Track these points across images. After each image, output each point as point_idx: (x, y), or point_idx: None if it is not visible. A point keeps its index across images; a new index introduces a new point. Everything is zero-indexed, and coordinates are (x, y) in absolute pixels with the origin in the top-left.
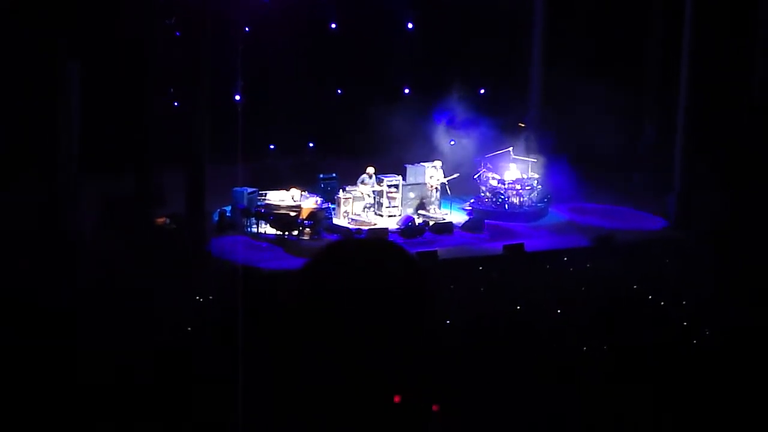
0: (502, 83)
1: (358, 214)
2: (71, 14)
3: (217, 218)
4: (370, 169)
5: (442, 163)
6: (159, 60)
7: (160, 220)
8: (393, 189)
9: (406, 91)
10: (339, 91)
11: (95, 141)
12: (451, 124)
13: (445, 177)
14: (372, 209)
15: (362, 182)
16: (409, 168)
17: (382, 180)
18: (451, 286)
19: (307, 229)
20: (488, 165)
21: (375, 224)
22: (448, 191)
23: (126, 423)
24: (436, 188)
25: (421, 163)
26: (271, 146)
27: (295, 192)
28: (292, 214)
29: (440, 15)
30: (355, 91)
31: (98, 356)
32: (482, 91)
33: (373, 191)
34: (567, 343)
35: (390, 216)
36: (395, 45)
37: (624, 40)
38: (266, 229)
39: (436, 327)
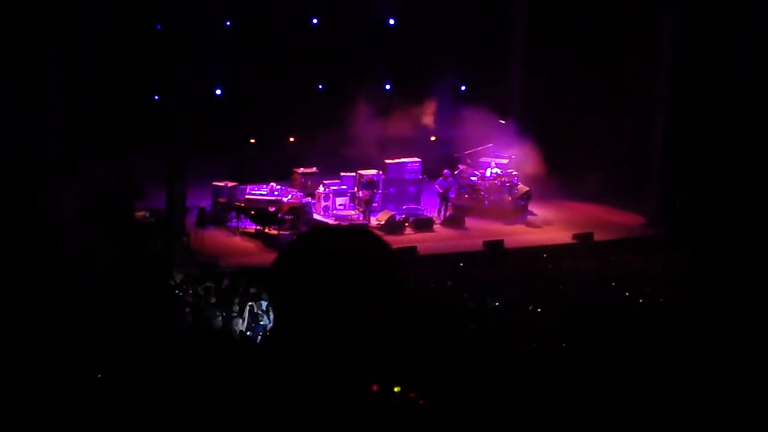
0: (483, 80)
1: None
2: (55, 5)
3: (197, 213)
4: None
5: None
6: (140, 53)
7: (140, 213)
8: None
9: (387, 87)
10: (320, 86)
11: (76, 133)
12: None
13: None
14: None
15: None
16: (390, 164)
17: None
18: (432, 285)
19: (288, 224)
20: (468, 161)
21: (357, 219)
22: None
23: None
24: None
25: (401, 159)
26: (251, 140)
27: (274, 187)
28: (272, 209)
29: (421, 11)
30: (336, 86)
31: (75, 351)
32: (463, 88)
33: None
34: (545, 340)
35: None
36: (376, 41)
37: (604, 35)
38: (246, 223)
39: (410, 320)
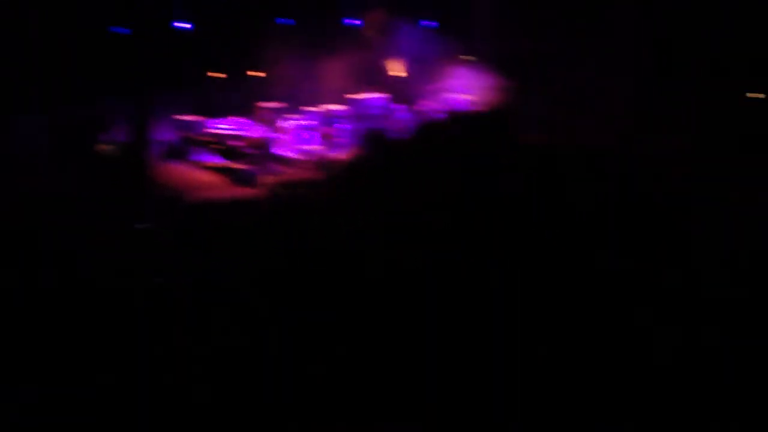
0: (448, 15)
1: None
2: None
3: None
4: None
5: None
6: None
7: (102, 147)
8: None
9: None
10: (292, 22)
11: (40, 68)
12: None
13: None
14: None
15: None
16: (355, 99)
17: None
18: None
19: (252, 158)
20: (431, 96)
21: (321, 154)
22: None
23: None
24: None
25: (367, 95)
26: (215, 74)
27: (238, 121)
28: (236, 143)
29: None
30: (299, 21)
31: (34, 282)
32: (429, 24)
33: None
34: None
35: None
36: None
37: None
38: (209, 158)
39: None
